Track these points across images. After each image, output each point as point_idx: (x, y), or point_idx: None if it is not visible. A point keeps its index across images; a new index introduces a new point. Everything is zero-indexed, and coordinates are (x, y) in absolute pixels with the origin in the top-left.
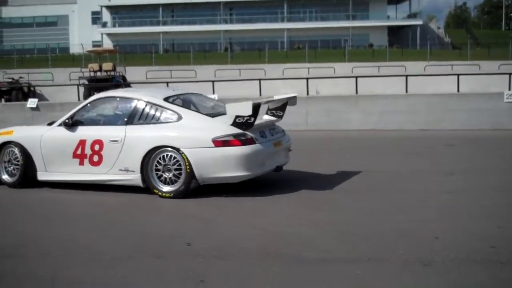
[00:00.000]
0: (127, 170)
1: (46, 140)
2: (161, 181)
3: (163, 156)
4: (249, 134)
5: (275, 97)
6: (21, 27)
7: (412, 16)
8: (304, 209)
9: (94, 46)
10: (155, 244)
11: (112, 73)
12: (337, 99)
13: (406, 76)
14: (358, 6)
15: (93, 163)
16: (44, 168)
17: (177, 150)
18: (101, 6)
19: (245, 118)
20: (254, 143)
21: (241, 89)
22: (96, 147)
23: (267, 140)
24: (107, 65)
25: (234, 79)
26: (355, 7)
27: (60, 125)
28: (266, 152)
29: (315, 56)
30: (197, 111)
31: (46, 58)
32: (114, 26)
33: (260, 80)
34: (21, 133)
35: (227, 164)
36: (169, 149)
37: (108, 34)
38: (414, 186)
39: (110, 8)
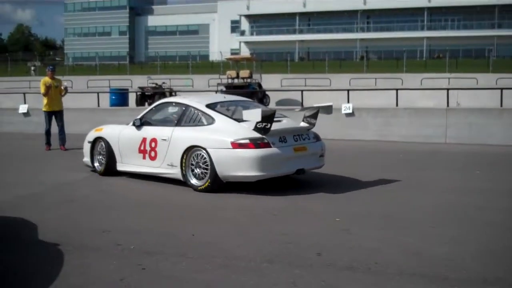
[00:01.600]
0: (172, 165)
1: (122, 137)
2: (194, 176)
3: (196, 155)
4: (266, 138)
5: (309, 106)
6: (165, 35)
7: None
8: (444, 228)
9: (232, 53)
10: (288, 252)
11: (249, 80)
12: (479, 111)
13: None
14: (504, 13)
15: (151, 158)
16: (121, 160)
17: (205, 149)
18: (240, 15)
19: (263, 124)
20: (270, 147)
21: (377, 98)
22: (153, 144)
23: (287, 145)
24: (244, 73)
25: (370, 88)
26: (501, 15)
27: (133, 124)
28: (283, 156)
29: (456, 66)
30: (231, 116)
31: (187, 65)
32: (252, 34)
33: (397, 90)
34: (107, 130)
35: (242, 164)
36: (200, 148)
37: (246, 42)
38: None
39: (249, 17)
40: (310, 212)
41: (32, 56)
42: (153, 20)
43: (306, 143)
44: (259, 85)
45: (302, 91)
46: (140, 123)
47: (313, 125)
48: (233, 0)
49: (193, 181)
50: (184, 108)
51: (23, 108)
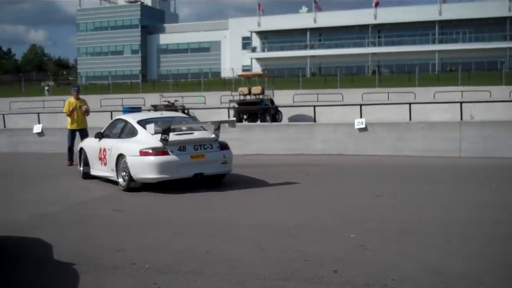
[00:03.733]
0: (112, 170)
1: (91, 148)
2: (122, 178)
3: (123, 161)
4: (166, 147)
5: (213, 120)
6: (176, 53)
7: None
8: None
9: (244, 70)
10: (304, 269)
11: (261, 96)
12: (493, 124)
13: None
14: None
15: (104, 164)
16: (92, 166)
17: (125, 156)
18: (251, 32)
19: (164, 136)
20: (168, 154)
21: (390, 113)
22: (104, 153)
23: (185, 153)
24: (256, 89)
25: (383, 103)
26: None
27: (95, 137)
28: (179, 162)
29: (468, 78)
30: (158, 129)
31: (199, 82)
32: (263, 50)
33: (410, 104)
34: (86, 142)
35: (146, 168)
36: (123, 156)
37: (257, 59)
38: None
39: (260, 33)
40: (325, 228)
41: (45, 76)
42: (165, 39)
43: (205, 152)
44: (271, 101)
45: (314, 106)
46: (101, 136)
47: (217, 136)
48: (244, 17)
49: (120, 181)
50: (124, 123)
51: (37, 128)
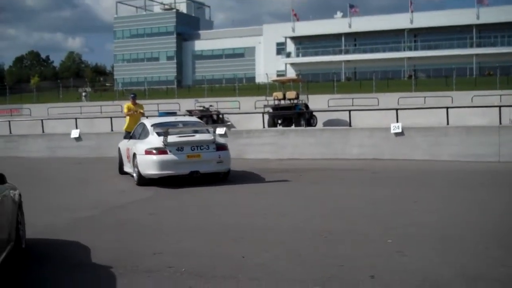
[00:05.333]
0: (132, 166)
1: (122, 147)
2: (136, 173)
3: (135, 159)
4: (166, 148)
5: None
6: (211, 58)
7: None
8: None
9: (278, 75)
10: (340, 275)
11: (295, 101)
12: None
13: None
14: None
15: (129, 161)
16: (124, 163)
17: (136, 155)
18: (286, 37)
19: (164, 138)
20: (166, 153)
21: (427, 117)
22: (128, 152)
23: (182, 153)
24: (291, 94)
25: (419, 107)
26: None
27: (124, 138)
28: (176, 160)
29: (507, 82)
30: (161, 132)
31: (233, 87)
32: (297, 56)
33: (447, 108)
34: (121, 143)
35: (149, 165)
36: (135, 154)
37: (292, 64)
38: None
39: (294, 38)
40: (361, 233)
41: (82, 82)
42: (200, 45)
43: (201, 152)
44: (306, 106)
45: (349, 110)
46: (130, 137)
47: (214, 138)
48: (278, 22)
49: (134, 176)
50: (143, 126)
51: (75, 133)
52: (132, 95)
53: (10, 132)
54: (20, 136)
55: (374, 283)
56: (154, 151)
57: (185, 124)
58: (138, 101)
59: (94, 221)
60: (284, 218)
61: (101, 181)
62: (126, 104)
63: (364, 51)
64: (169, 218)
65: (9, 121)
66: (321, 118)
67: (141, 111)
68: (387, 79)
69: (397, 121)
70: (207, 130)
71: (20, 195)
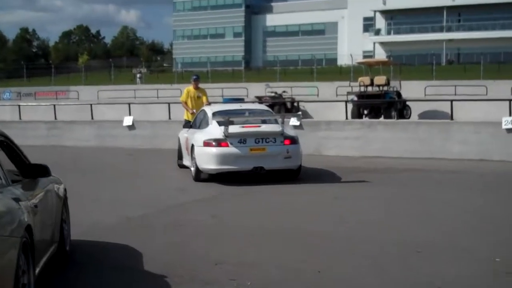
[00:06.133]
0: (191, 161)
1: (182, 137)
2: (194, 167)
3: (194, 151)
4: (227, 139)
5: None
6: (285, 36)
7: None
8: None
9: (365, 57)
10: None
11: (385, 88)
12: None
13: None
14: None
15: (188, 153)
16: (184, 155)
17: (194, 146)
18: (375, 11)
19: (225, 128)
20: (227, 146)
21: None
22: (187, 143)
23: (244, 146)
24: (380, 79)
25: None
26: None
27: (183, 127)
28: (238, 154)
29: None
30: (222, 121)
31: (311, 70)
32: (388, 33)
33: None
34: (180, 132)
35: (207, 159)
36: (193, 145)
37: (381, 43)
38: None
39: (385, 13)
40: (462, 248)
41: (137, 62)
42: (272, 20)
43: (266, 145)
44: (398, 94)
45: (451, 101)
46: (189, 126)
47: (282, 129)
48: None
49: (192, 170)
50: (204, 114)
51: (127, 121)
52: (194, 77)
53: (55, 118)
54: (65, 123)
55: None
56: (214, 143)
57: (251, 112)
58: (201, 85)
59: (147, 221)
60: (367, 227)
61: (156, 176)
62: (186, 89)
63: (471, 29)
64: (231, 222)
65: (54, 105)
66: (415, 109)
67: (205, 98)
68: (498, 63)
69: (510, 115)
70: (275, 120)
71: (65, 189)
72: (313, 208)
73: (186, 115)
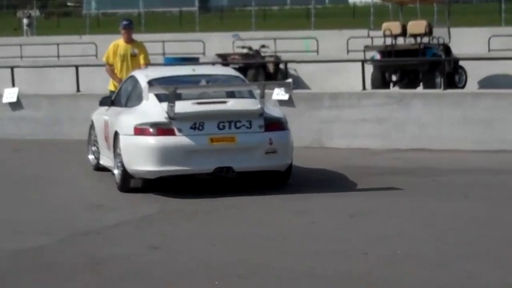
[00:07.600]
0: (113, 158)
1: (98, 120)
2: (117, 168)
3: (118, 143)
4: (171, 123)
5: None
6: None
7: None
8: None
9: None
10: None
11: (425, 39)
12: None
13: None
14: None
15: (108, 147)
16: (100, 149)
17: (119, 136)
18: None
19: (170, 105)
20: (172, 134)
21: None
22: (107, 130)
23: (201, 134)
24: (417, 25)
25: None
26: None
27: (101, 104)
28: (190, 148)
29: None
30: (164, 95)
31: (306, 11)
32: None
33: None
34: (95, 114)
35: (141, 155)
36: (118, 134)
37: None
38: None
39: None
40: None
41: (24, 0)
42: None
43: (236, 133)
44: (447, 49)
45: None
46: (111, 103)
47: (261, 107)
48: None
49: (116, 174)
50: (133, 84)
51: (9, 95)
52: (124, 23)
53: None
54: None
55: None
56: (151, 130)
57: (211, 80)
58: (135, 36)
59: (44, 258)
60: (406, 263)
61: (59, 183)
62: (113, 43)
63: None
64: (182, 258)
65: None
66: (474, 73)
67: (143, 57)
68: None
69: None
70: (250, 92)
71: None
72: (315, 234)
73: (111, 86)
